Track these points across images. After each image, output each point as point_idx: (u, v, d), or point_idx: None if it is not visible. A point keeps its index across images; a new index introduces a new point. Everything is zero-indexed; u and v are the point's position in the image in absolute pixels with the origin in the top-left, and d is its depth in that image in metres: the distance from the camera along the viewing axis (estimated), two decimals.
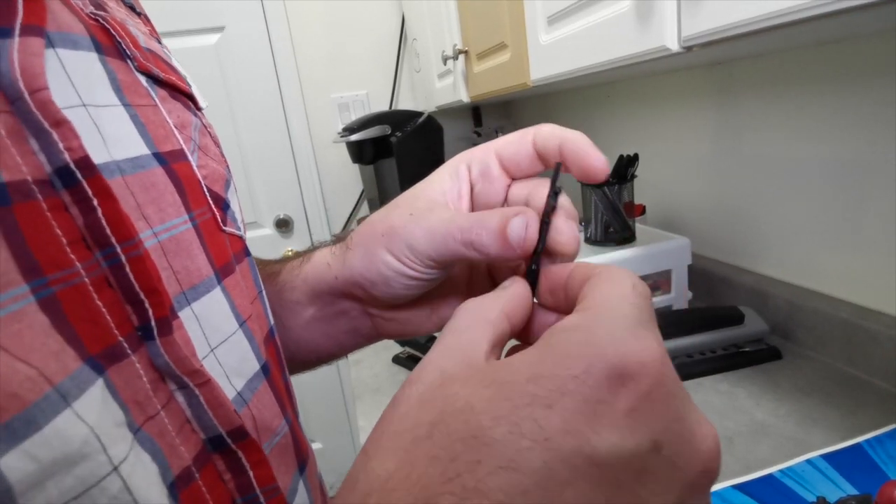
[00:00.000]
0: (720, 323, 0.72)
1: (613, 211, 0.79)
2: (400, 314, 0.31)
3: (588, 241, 0.84)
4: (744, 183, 0.80)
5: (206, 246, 0.23)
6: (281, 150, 1.49)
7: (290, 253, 1.50)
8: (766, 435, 0.55)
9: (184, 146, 0.24)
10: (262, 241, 1.49)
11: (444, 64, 1.03)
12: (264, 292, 0.30)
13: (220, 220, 0.25)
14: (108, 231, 0.17)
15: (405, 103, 1.54)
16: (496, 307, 0.20)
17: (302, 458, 0.28)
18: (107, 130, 0.19)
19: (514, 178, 0.26)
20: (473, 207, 0.27)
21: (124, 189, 0.19)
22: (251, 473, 0.22)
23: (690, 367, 0.69)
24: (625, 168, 0.79)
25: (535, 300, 0.22)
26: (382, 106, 1.53)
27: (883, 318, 0.62)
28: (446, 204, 0.27)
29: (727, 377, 0.68)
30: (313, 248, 0.34)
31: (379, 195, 1.38)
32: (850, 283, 0.68)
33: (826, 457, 0.48)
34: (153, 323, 0.18)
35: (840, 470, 0.46)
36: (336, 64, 1.50)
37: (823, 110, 0.66)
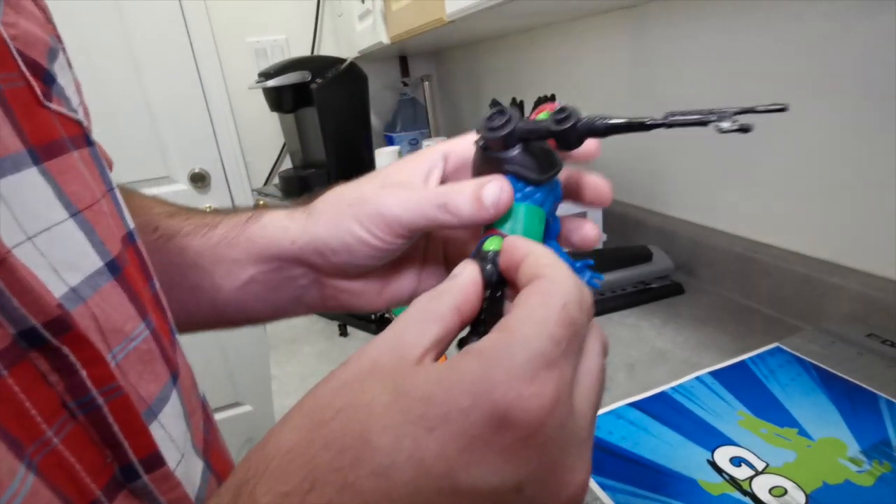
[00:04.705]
0: (631, 261, 0.74)
1: None
2: (353, 285, 0.31)
3: None
4: None
5: (14, 118, 0.20)
6: (193, 100, 1.38)
7: (208, 209, 1.41)
8: (664, 360, 0.59)
9: None
10: (177, 198, 1.37)
11: (363, 2, 0.98)
12: (116, 191, 0.28)
13: (39, 92, 0.22)
14: None
15: (328, 50, 1.46)
16: (446, 303, 0.21)
17: (173, 369, 0.27)
18: None
19: None
20: None
21: None
22: (83, 373, 0.20)
23: (603, 304, 0.72)
24: None
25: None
26: (303, 53, 1.45)
27: (771, 250, 0.67)
28: (419, 183, 0.27)
29: (634, 311, 0.71)
30: (257, 208, 0.33)
31: (301, 146, 1.31)
32: (745, 219, 0.72)
33: (714, 373, 0.52)
34: None
35: (725, 384, 0.50)
36: (251, 6, 1.39)
37: (723, 53, 0.68)
